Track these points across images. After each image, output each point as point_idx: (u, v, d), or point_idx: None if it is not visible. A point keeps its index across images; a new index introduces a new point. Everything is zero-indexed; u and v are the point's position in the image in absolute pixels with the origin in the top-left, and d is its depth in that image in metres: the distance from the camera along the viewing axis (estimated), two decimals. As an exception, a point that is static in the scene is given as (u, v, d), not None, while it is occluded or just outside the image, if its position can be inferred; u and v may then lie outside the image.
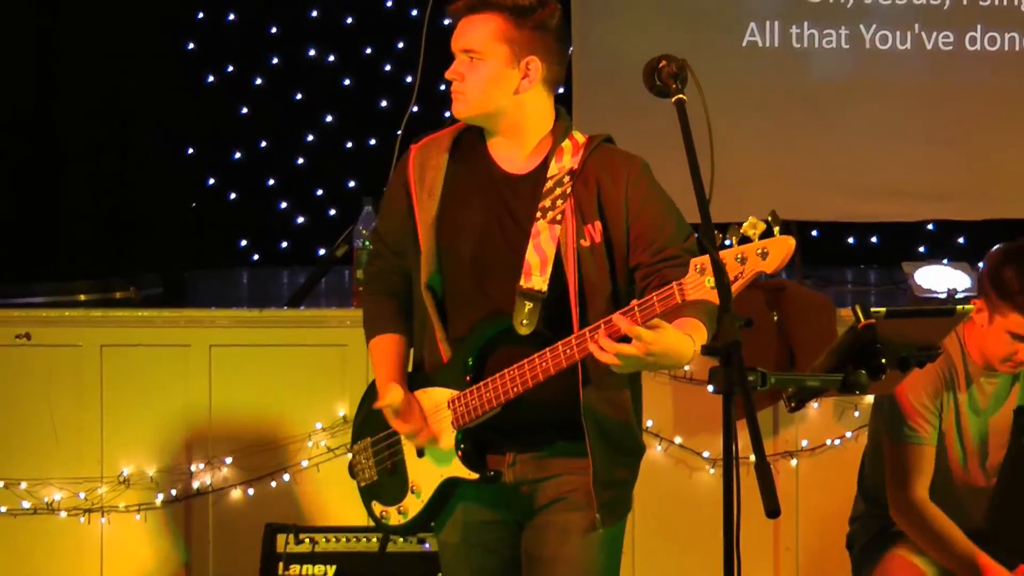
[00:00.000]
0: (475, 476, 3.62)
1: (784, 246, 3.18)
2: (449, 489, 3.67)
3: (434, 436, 3.65)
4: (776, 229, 3.19)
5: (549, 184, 3.57)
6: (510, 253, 3.56)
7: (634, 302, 3.36)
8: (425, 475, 3.68)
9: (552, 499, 3.63)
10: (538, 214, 3.55)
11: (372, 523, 3.84)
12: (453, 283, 3.63)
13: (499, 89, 3.57)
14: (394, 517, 3.76)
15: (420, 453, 3.68)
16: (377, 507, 3.79)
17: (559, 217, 3.54)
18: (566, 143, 3.61)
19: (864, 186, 7.44)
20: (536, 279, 3.53)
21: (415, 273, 3.66)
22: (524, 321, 3.52)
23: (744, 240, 3.20)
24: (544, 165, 3.60)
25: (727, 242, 3.25)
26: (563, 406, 3.56)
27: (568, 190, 3.56)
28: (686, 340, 3.36)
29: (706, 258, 3.22)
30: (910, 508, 4.45)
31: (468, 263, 3.60)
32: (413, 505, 3.72)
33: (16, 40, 6.55)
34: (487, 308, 3.59)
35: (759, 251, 3.19)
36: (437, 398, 3.64)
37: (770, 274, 3.24)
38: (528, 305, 3.52)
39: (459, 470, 3.63)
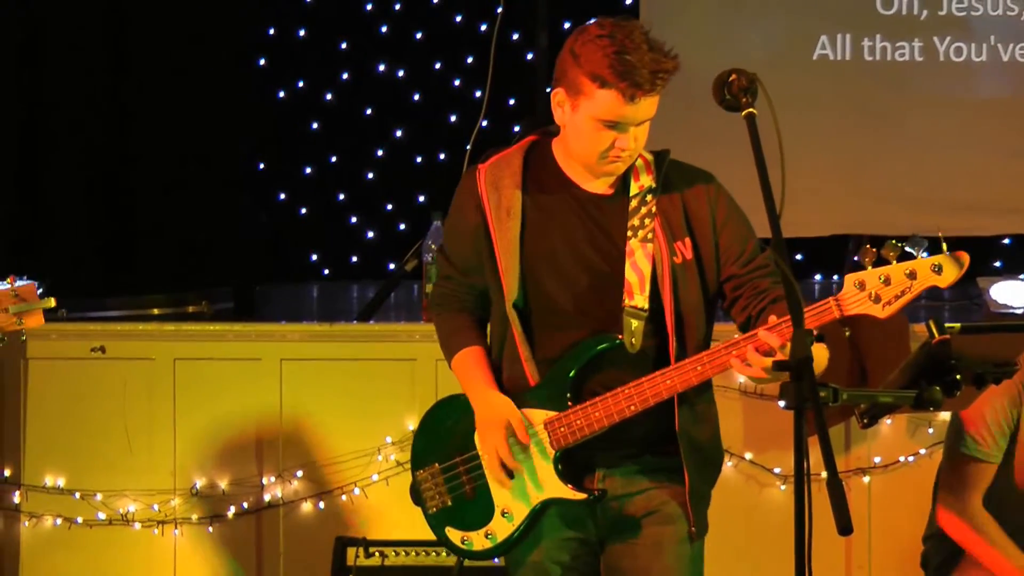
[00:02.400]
0: (582, 496, 3.59)
1: (960, 262, 3.26)
2: (543, 510, 3.64)
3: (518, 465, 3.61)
4: (944, 246, 3.26)
5: (634, 203, 3.58)
6: (609, 272, 3.56)
7: (773, 318, 3.37)
8: (518, 498, 3.64)
9: (643, 513, 3.62)
10: (629, 233, 3.56)
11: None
12: (542, 303, 3.60)
13: None
14: (479, 541, 3.70)
15: (510, 475, 3.63)
16: (455, 533, 3.73)
17: (650, 236, 3.55)
18: (638, 161, 3.61)
19: (938, 200, 7.37)
20: (638, 298, 3.54)
21: (495, 293, 3.64)
22: (633, 340, 3.53)
23: (905, 256, 3.24)
24: (624, 184, 3.60)
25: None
26: (653, 421, 3.55)
27: (653, 208, 3.56)
28: (822, 349, 3.38)
29: (865, 273, 3.29)
30: (963, 516, 4.42)
31: (561, 283, 3.58)
32: (503, 528, 3.67)
33: (88, 59, 6.61)
34: (583, 328, 3.57)
35: (933, 266, 3.25)
36: (527, 419, 3.60)
37: (943, 289, 3.30)
38: (635, 323, 3.53)
39: (562, 491, 3.60)
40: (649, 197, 3.57)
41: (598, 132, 3.49)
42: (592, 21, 3.53)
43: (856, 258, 3.31)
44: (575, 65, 3.48)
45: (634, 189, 3.59)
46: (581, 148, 3.55)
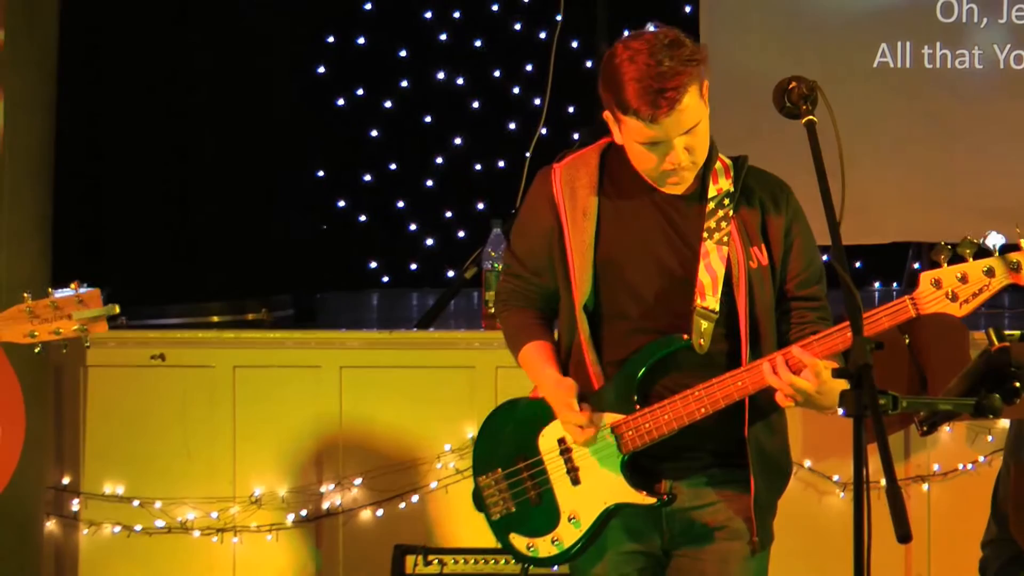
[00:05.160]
0: (651, 501, 3.56)
1: None
2: (610, 516, 3.61)
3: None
4: (1022, 242, 3.23)
5: (711, 205, 3.56)
6: (682, 276, 3.54)
7: (840, 326, 3.36)
8: (585, 502, 3.61)
9: (711, 528, 3.60)
10: (704, 234, 3.54)
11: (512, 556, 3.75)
12: (613, 306, 3.58)
13: (708, 133, 3.54)
14: (545, 548, 3.66)
15: (575, 481, 3.61)
16: (519, 539, 3.69)
17: (725, 239, 3.53)
18: (717, 165, 3.59)
19: (998, 208, 7.32)
20: (710, 299, 3.51)
21: (565, 295, 3.62)
22: (701, 341, 3.51)
23: (982, 254, 3.22)
24: (703, 186, 3.58)
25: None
26: (722, 432, 3.54)
27: (730, 212, 3.55)
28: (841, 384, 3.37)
29: (941, 271, 3.28)
30: None
31: (634, 286, 3.56)
32: (570, 534, 3.63)
33: (150, 67, 6.66)
34: (653, 330, 3.54)
35: (1011, 263, 3.24)
36: (594, 423, 3.57)
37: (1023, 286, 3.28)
38: (704, 324, 3.51)
39: (631, 496, 3.57)
40: (727, 201, 3.55)
41: (644, 153, 3.48)
42: (621, 39, 3.51)
43: (931, 256, 3.28)
44: (604, 91, 3.50)
45: (712, 192, 3.57)
46: (639, 167, 3.54)
